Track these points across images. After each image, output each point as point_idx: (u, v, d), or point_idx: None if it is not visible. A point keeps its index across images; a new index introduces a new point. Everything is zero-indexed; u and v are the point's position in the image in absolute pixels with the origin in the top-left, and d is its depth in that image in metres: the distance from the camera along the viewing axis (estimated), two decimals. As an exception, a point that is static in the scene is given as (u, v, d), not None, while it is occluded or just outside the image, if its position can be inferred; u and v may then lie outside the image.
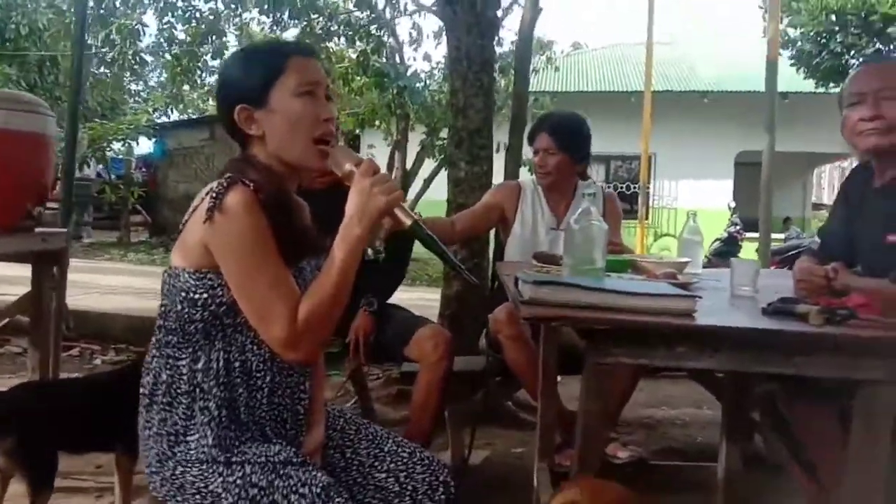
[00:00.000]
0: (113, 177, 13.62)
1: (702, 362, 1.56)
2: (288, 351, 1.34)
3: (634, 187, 13.94)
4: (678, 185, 15.49)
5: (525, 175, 3.37)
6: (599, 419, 1.59)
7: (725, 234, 10.56)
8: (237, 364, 1.40)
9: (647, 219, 11.21)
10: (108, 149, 12.33)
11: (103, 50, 9.86)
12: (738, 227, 10.73)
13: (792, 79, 11.88)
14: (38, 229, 2.47)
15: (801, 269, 1.91)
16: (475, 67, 3.65)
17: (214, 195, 1.33)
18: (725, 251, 9.38)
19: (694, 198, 14.49)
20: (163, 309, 1.44)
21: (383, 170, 1.41)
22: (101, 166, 13.34)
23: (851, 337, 1.46)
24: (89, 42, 10.96)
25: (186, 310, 1.38)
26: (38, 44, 13.41)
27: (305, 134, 1.43)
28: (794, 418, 2.08)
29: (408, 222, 1.37)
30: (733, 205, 11.64)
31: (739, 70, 14.85)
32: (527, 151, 4.47)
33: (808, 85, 12.41)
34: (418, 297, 6.17)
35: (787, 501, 2.07)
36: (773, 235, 8.12)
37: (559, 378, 2.95)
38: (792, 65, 11.88)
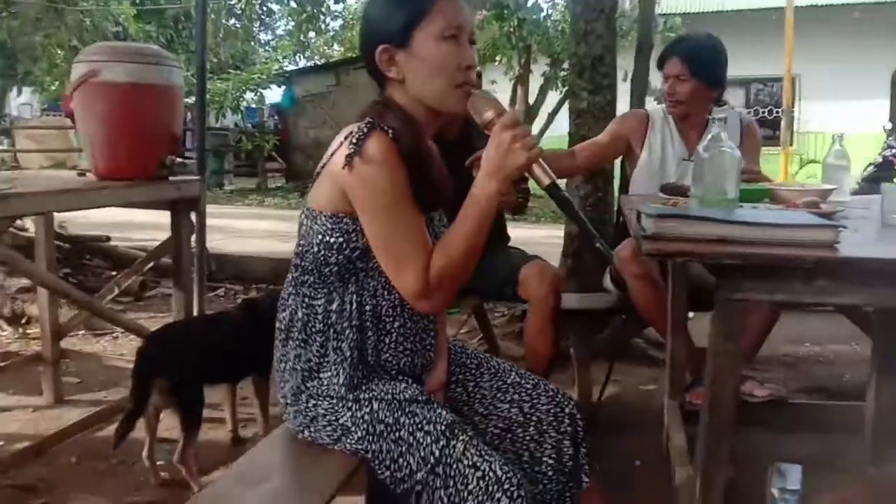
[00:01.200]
0: (249, 125, 14.20)
1: (847, 297, 1.46)
2: (420, 301, 1.34)
3: (777, 112, 13.04)
4: (827, 108, 14.34)
5: (651, 106, 3.16)
6: (731, 360, 1.50)
7: (880, 159, 9.70)
8: (368, 308, 1.42)
9: (791, 145, 10.48)
10: (241, 99, 12.82)
11: (231, 2, 10.19)
12: (894, 151, 9.86)
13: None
14: (173, 178, 2.59)
15: None
16: (595, -10, 3.46)
17: (355, 140, 1.31)
18: (880, 177, 8.63)
19: (845, 121, 13.38)
20: (300, 249, 1.45)
21: (507, 105, 1.35)
22: (237, 116, 13.93)
23: None
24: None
25: (322, 252, 1.40)
26: (174, 0, 14.02)
27: (447, 80, 1.37)
28: None
29: (546, 181, 1.30)
30: (889, 126, 10.68)
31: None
32: (654, 79, 4.26)
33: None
34: (544, 236, 6.12)
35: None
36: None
37: (690, 315, 2.84)
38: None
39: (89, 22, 12.51)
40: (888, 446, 2.28)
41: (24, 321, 3.93)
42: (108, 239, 5.56)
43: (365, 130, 1.32)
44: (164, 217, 2.70)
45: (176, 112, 2.49)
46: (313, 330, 1.43)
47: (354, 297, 1.41)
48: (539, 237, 5.61)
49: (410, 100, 1.41)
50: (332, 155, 1.38)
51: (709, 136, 1.76)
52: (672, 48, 2.69)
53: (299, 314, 1.45)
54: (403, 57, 1.38)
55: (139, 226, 6.34)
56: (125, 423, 2.16)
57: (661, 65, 2.72)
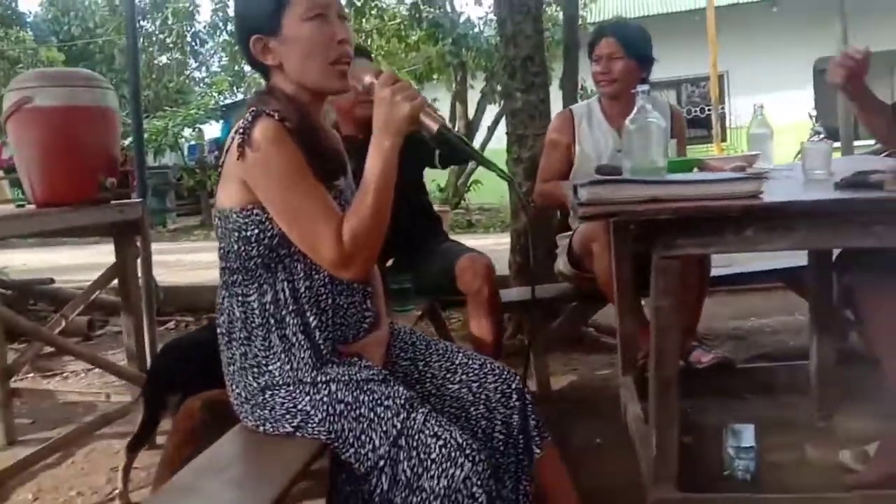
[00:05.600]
0: (189, 162, 14.02)
1: (775, 243, 1.52)
2: (340, 270, 1.37)
3: (709, 110, 13.43)
4: (756, 102, 14.72)
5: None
6: (672, 313, 1.56)
7: (809, 145, 10.08)
8: (303, 289, 1.43)
9: (724, 140, 10.75)
10: (180, 136, 12.69)
11: (161, 35, 10.12)
12: (821, 136, 10.23)
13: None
14: (113, 202, 2.55)
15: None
16: (521, -8, 3.55)
17: (241, 131, 1.35)
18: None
19: (774, 113, 13.76)
20: (221, 251, 1.47)
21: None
22: (176, 153, 13.76)
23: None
24: (148, 28, 11.31)
25: (243, 248, 1.41)
26: (92, 40, 13.89)
27: (322, 58, 1.42)
28: (867, 308, 1.98)
29: (435, 127, 1.36)
30: (814, 114, 11.07)
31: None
32: (583, 78, 4.37)
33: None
34: (493, 243, 6.17)
35: (883, 395, 1.99)
36: (857, 143, 7.70)
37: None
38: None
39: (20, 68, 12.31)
40: (833, 400, 2.37)
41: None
42: (53, 281, 5.44)
43: (250, 119, 1.36)
44: (107, 257, 2.66)
45: (112, 134, 2.46)
46: (253, 325, 1.45)
47: (286, 283, 1.43)
48: (487, 245, 5.66)
49: (293, 85, 1.45)
50: (226, 152, 1.40)
51: (634, 109, 1.81)
52: (603, 30, 2.73)
53: (237, 313, 1.46)
54: (276, 43, 1.42)
55: (82, 267, 6.21)
56: (140, 433, 2.12)
57: (591, 48, 2.73)
